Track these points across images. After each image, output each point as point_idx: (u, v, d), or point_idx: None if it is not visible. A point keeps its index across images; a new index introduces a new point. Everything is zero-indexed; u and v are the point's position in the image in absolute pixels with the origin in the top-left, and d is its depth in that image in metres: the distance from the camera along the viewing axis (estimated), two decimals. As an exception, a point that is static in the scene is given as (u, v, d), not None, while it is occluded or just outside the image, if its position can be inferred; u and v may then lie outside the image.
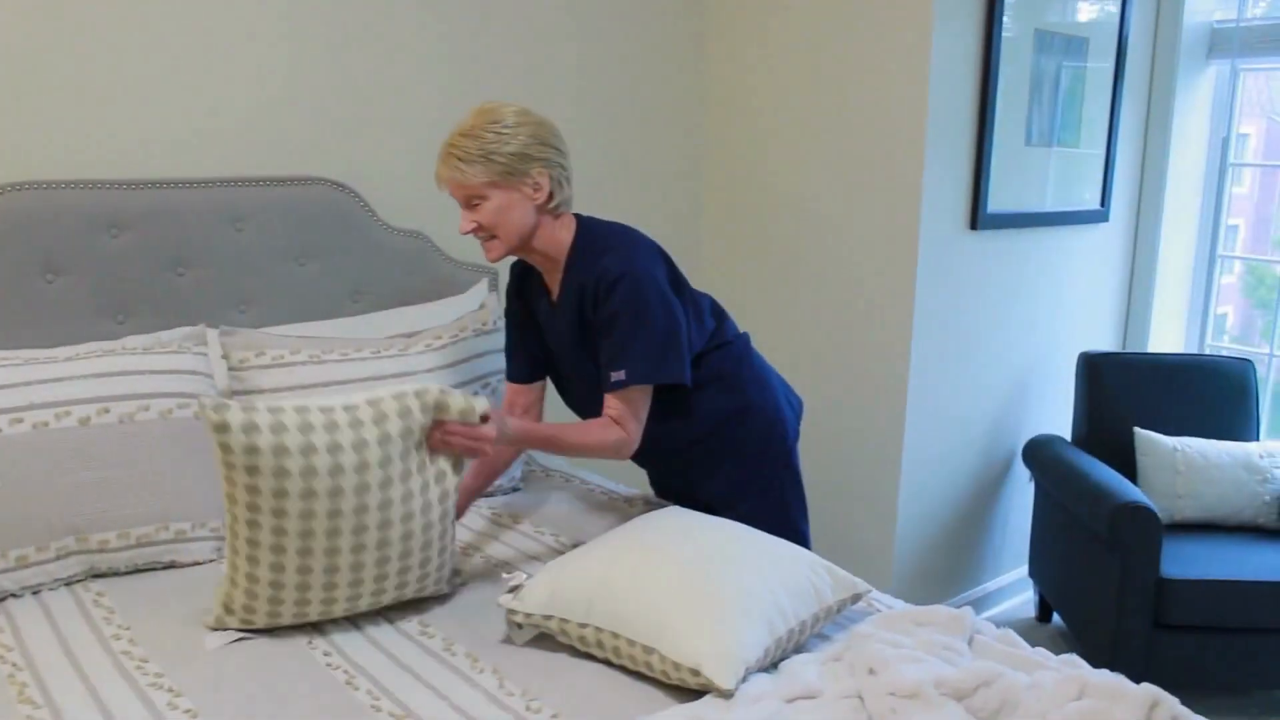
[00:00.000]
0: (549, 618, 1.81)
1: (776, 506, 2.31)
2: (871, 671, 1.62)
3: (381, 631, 1.88)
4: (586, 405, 2.27)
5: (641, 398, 2.10)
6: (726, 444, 2.27)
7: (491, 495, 2.59)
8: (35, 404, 1.98)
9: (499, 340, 2.67)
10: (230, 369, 2.29)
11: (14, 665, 1.74)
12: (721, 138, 3.53)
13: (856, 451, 3.28)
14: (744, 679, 1.64)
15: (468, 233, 2.07)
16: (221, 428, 1.73)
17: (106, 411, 2.04)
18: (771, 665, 1.74)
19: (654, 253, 2.13)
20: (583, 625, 1.78)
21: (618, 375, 2.06)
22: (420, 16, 2.86)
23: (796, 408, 2.40)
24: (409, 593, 1.94)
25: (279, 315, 2.65)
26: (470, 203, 2.05)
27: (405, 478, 1.85)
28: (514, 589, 1.88)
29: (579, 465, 2.95)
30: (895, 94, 3.01)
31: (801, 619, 1.79)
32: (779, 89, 3.33)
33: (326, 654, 1.79)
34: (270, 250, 2.62)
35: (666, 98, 3.45)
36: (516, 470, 2.64)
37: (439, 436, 1.90)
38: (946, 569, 3.42)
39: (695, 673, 1.63)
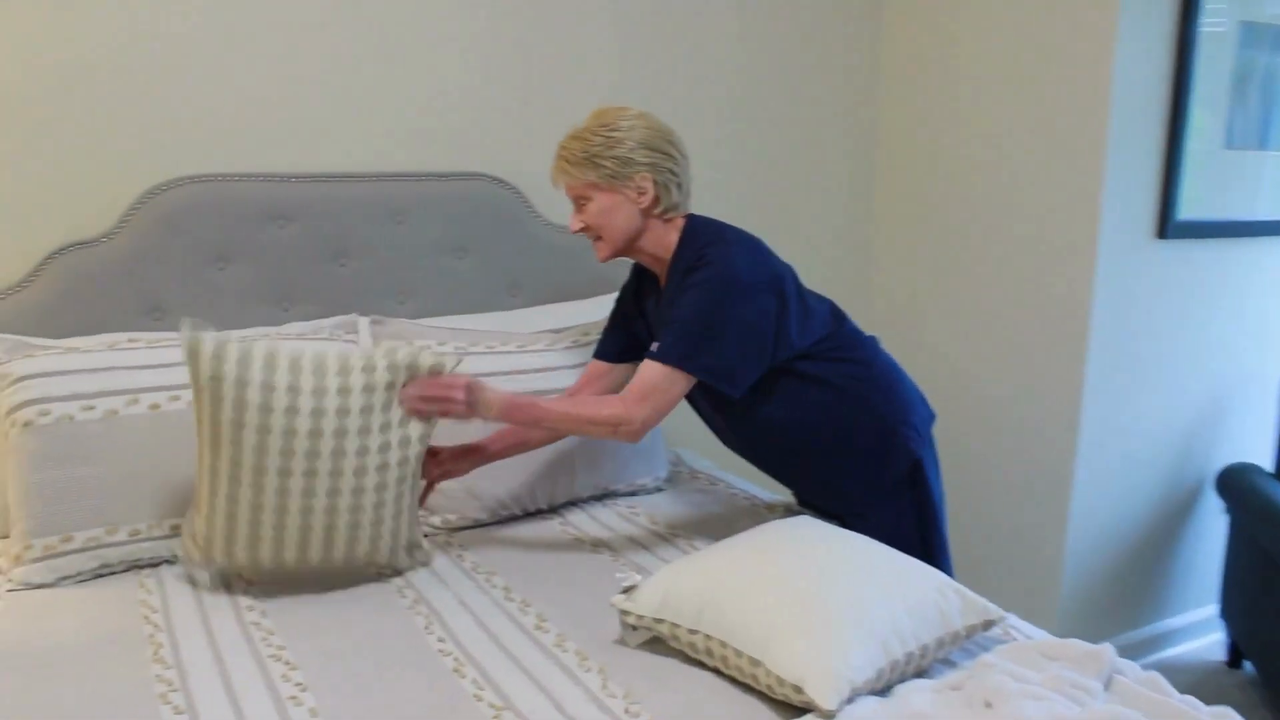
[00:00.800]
0: (660, 621, 1.78)
1: (904, 521, 2.20)
2: (988, 705, 1.51)
3: (498, 623, 1.89)
4: (707, 416, 2.26)
5: (665, 381, 1.99)
6: (836, 450, 2.18)
7: (633, 494, 2.57)
8: (175, 384, 2.08)
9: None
10: (380, 358, 2.35)
11: (155, 626, 1.84)
12: (895, 140, 3.41)
13: (1023, 470, 3.10)
14: (850, 700, 1.56)
15: (576, 232, 2.11)
16: (193, 353, 1.83)
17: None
18: (886, 688, 1.65)
19: (758, 252, 2.07)
20: (693, 631, 1.74)
21: (654, 345, 2.02)
22: (587, 16, 2.88)
23: (926, 420, 2.27)
24: (360, 555, 1.96)
25: (436, 307, 2.72)
26: (579, 203, 2.09)
27: (363, 433, 1.89)
28: (628, 589, 1.86)
29: (726, 469, 2.90)
30: (1074, 91, 2.83)
31: (923, 642, 1.69)
32: (955, 87, 3.19)
33: (440, 640, 1.81)
34: (429, 243, 2.69)
35: (837, 99, 3.36)
36: (661, 469, 2.61)
37: (410, 394, 1.93)
38: (1121, 601, 3.19)
39: (798, 689, 1.56)
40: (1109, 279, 2.87)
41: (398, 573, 2.07)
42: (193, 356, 1.84)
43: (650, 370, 2.00)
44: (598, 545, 2.25)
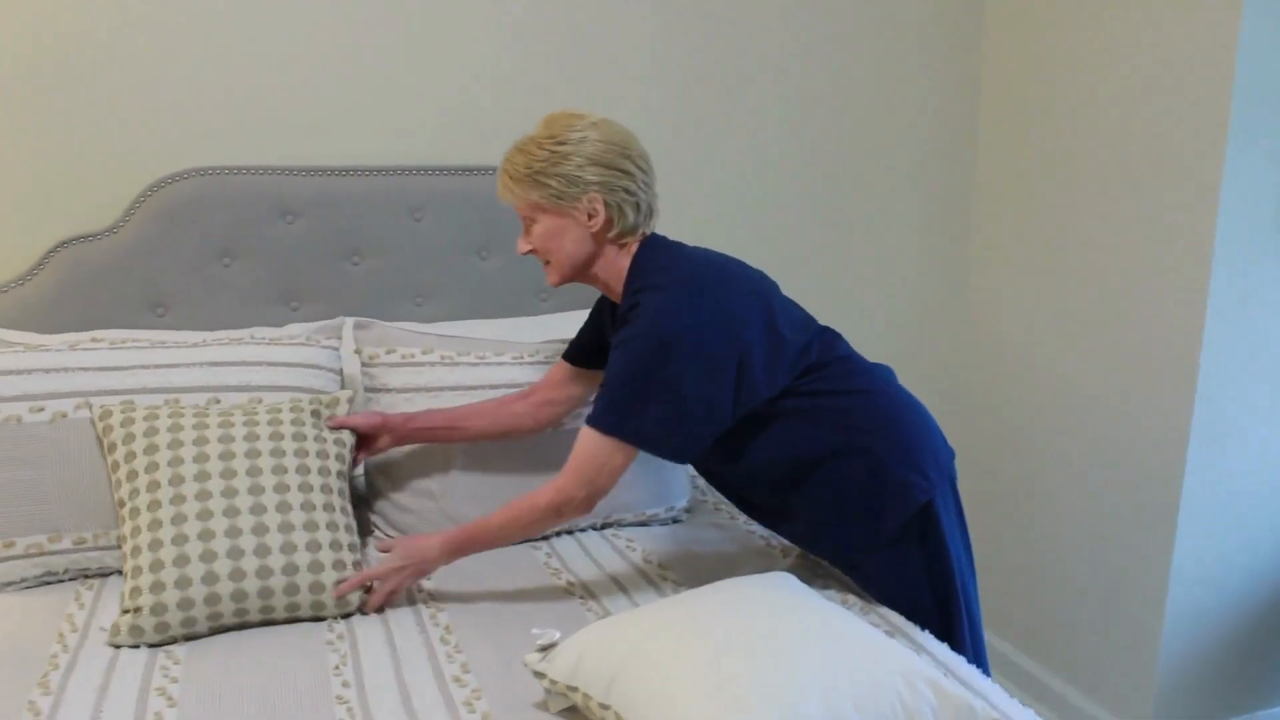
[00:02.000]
0: (574, 689, 1.57)
1: (912, 576, 1.91)
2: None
3: (415, 670, 1.71)
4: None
5: (601, 451, 1.78)
6: (823, 494, 1.90)
7: (646, 525, 2.35)
8: (144, 387, 2.00)
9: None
10: (362, 365, 2.22)
11: (63, 646, 1.77)
12: (997, 128, 3.02)
13: (1111, 518, 2.68)
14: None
15: (523, 254, 1.92)
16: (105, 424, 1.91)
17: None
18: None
19: (706, 292, 1.80)
20: (604, 706, 1.52)
21: (602, 417, 1.78)
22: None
23: (940, 461, 1.94)
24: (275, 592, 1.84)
25: (457, 310, 2.57)
26: (526, 223, 1.90)
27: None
28: (545, 648, 1.65)
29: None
30: (1192, 75, 2.39)
31: (868, 745, 1.41)
32: (1062, 72, 2.78)
33: (345, 684, 1.65)
34: (450, 242, 2.54)
35: (930, 81, 3.00)
36: (680, 499, 2.38)
37: (375, 603, 1.89)
38: (1237, 679, 2.73)
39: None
40: (1226, 287, 2.43)
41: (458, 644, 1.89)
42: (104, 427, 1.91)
43: (584, 439, 1.80)
44: (574, 586, 2.04)
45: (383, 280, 2.51)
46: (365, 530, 2.21)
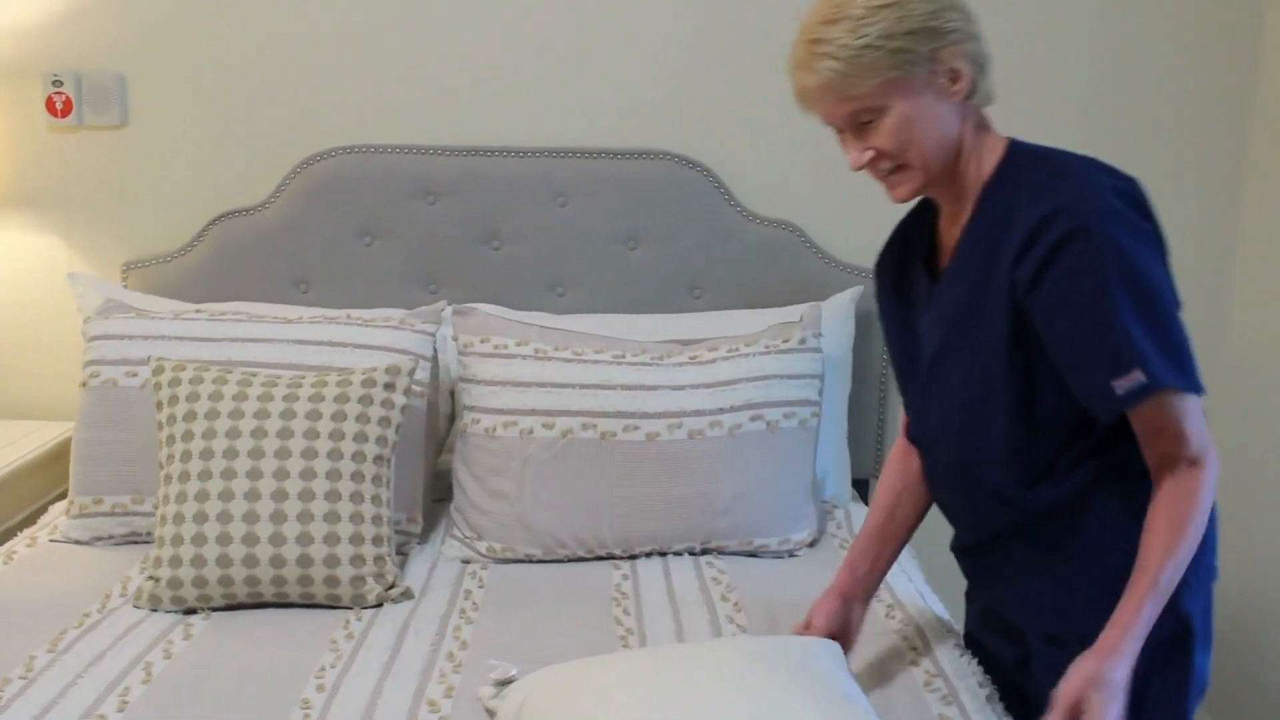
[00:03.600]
0: (513, 734, 1.36)
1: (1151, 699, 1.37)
2: None
3: (391, 694, 1.58)
4: (953, 436, 1.49)
5: (1189, 408, 1.30)
6: (1063, 547, 1.43)
7: (754, 555, 2.06)
8: (228, 360, 2.00)
9: (796, 363, 2.10)
10: (458, 353, 2.11)
11: (100, 607, 1.79)
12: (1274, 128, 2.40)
13: None
14: None
15: (863, 166, 1.39)
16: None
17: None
18: None
19: (1133, 201, 1.33)
20: (535, 759, 1.30)
21: (1128, 380, 1.27)
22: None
23: (1209, 574, 1.46)
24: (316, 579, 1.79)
25: (599, 303, 2.41)
26: (858, 121, 1.36)
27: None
28: (501, 683, 1.45)
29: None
30: None
31: None
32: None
33: (318, 688, 1.55)
34: (596, 230, 2.39)
35: (1196, 64, 2.43)
36: (802, 529, 2.08)
37: None
38: None
39: None
40: None
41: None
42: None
43: (1168, 402, 1.29)
44: (625, 617, 1.80)
45: (523, 267, 2.39)
46: (435, 523, 2.14)
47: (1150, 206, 1.34)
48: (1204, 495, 1.32)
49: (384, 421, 1.90)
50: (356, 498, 1.83)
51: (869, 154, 1.37)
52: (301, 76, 2.36)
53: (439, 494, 2.17)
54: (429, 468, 2.13)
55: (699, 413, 2.00)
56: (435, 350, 2.13)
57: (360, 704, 1.53)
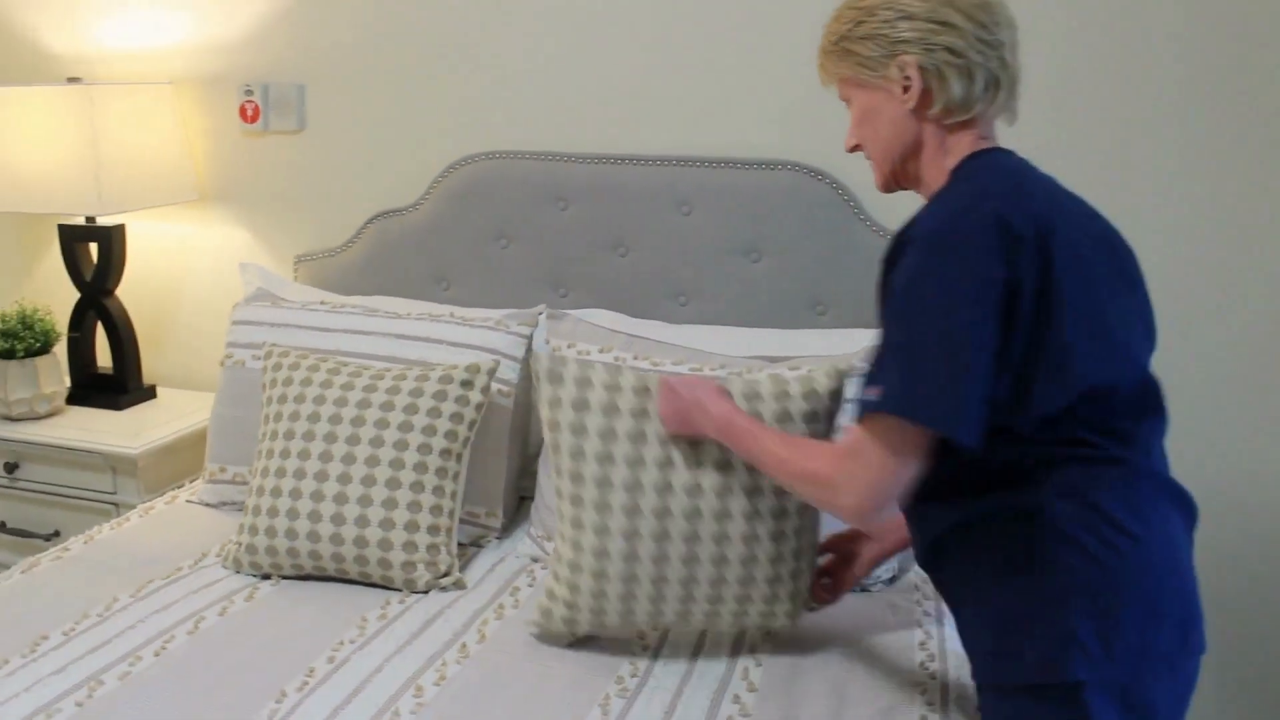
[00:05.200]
0: None
1: None
2: None
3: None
4: None
5: (892, 435, 1.30)
6: (974, 558, 1.39)
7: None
8: (338, 350, 2.15)
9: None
10: (550, 356, 2.14)
11: (193, 564, 1.99)
12: None
13: None
14: None
15: (850, 149, 1.52)
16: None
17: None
18: None
19: (1007, 221, 1.28)
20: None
21: (870, 391, 1.32)
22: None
23: (1154, 656, 1.30)
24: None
25: (720, 314, 2.37)
26: (846, 102, 1.50)
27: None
28: None
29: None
30: None
31: None
32: None
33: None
34: (718, 240, 2.35)
35: None
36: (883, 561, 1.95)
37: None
38: None
39: None
40: None
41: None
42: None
43: (879, 422, 1.32)
44: (646, 636, 1.78)
45: (647, 275, 2.40)
46: (523, 517, 2.19)
47: (1030, 246, 1.28)
48: (818, 476, 1.39)
49: (456, 417, 1.97)
50: (417, 487, 1.91)
51: (851, 141, 1.50)
52: (451, 88, 2.49)
53: (531, 492, 2.22)
54: (515, 465, 2.19)
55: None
56: (529, 351, 2.18)
57: (356, 680, 1.61)
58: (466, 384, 1.99)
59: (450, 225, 2.48)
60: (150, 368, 2.77)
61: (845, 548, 1.75)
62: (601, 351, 2.09)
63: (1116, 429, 1.33)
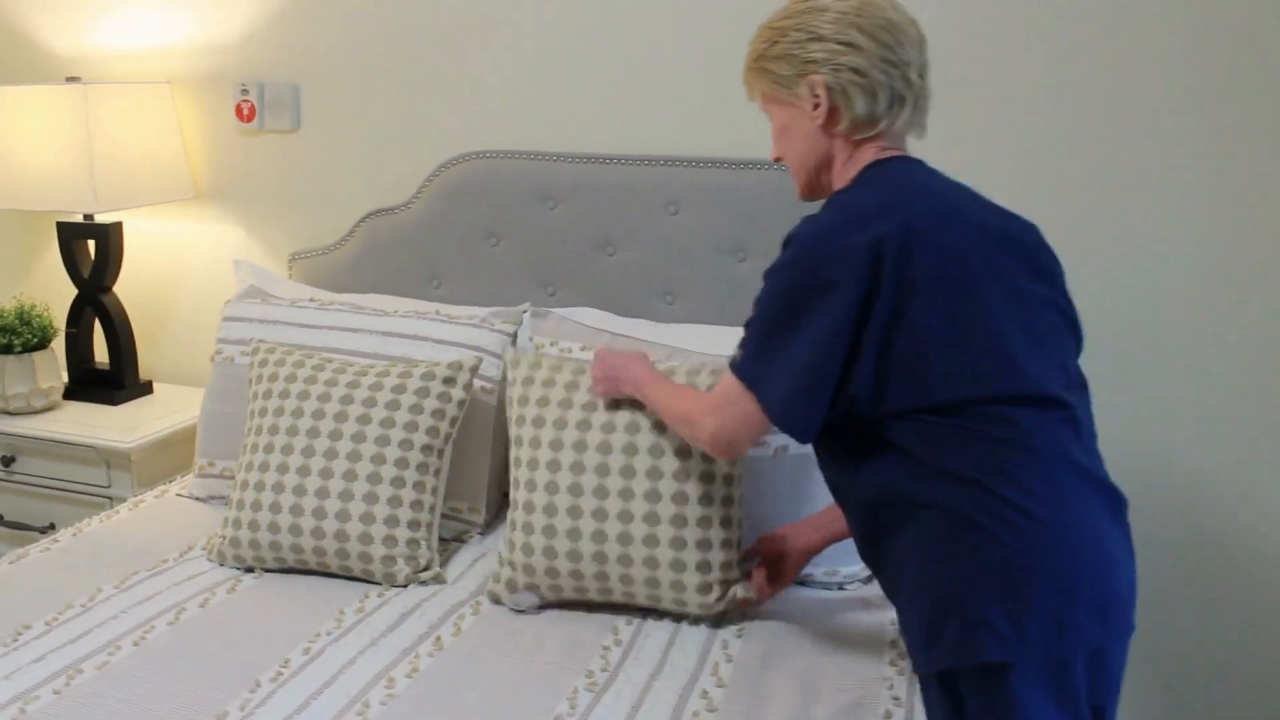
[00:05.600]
0: None
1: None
2: None
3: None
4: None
5: (736, 395, 1.49)
6: (899, 552, 1.43)
7: (802, 585, 1.97)
8: (325, 346, 2.18)
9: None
10: (534, 354, 2.16)
11: (180, 554, 2.01)
12: None
13: None
14: None
15: (775, 160, 1.64)
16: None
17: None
18: None
19: (888, 222, 1.38)
20: None
21: (737, 352, 1.52)
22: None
23: (1071, 636, 1.31)
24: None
25: (708, 313, 2.38)
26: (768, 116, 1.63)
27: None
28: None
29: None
30: None
31: None
32: None
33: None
34: (706, 240, 2.36)
35: None
36: (856, 561, 1.96)
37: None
38: None
39: None
40: None
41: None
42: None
43: (723, 377, 1.54)
44: (617, 637, 1.79)
45: (635, 274, 2.41)
46: (504, 514, 2.18)
47: (883, 257, 1.37)
48: (686, 414, 1.61)
49: (438, 414, 1.99)
50: (398, 483, 1.93)
51: (775, 152, 1.61)
52: (444, 88, 2.51)
53: (517, 487, 2.24)
54: (498, 461, 2.20)
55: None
56: (515, 348, 2.20)
57: (330, 672, 1.63)
58: (449, 381, 2.01)
59: (441, 224, 2.50)
60: (147, 363, 2.80)
61: (772, 548, 1.84)
62: (583, 349, 2.11)
63: (1008, 417, 1.35)
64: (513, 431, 1.91)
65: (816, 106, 1.49)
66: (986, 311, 1.37)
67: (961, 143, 2.22)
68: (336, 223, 2.63)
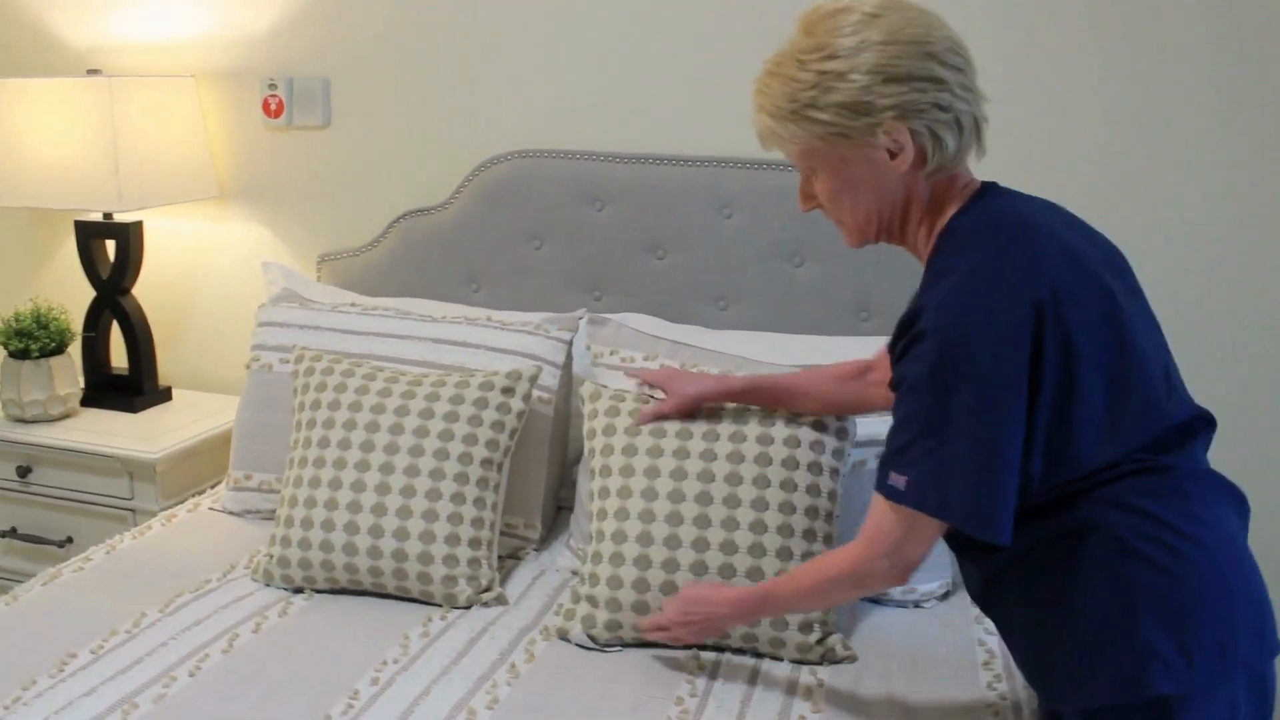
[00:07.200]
0: None
1: None
2: None
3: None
4: None
5: (912, 525, 1.29)
6: (1050, 619, 1.32)
7: (878, 603, 1.89)
8: (370, 354, 2.07)
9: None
10: (591, 363, 2.08)
11: (221, 577, 1.91)
12: None
13: None
14: None
15: (807, 211, 1.44)
16: None
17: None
18: None
19: (1032, 287, 1.23)
20: None
21: (895, 478, 1.29)
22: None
23: (1235, 661, 1.24)
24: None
25: (762, 319, 2.30)
26: (804, 171, 1.39)
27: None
28: None
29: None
30: None
31: None
32: None
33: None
34: (760, 244, 2.28)
35: None
36: (934, 578, 1.89)
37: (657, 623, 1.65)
38: None
39: None
40: None
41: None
42: None
43: (879, 508, 1.32)
44: (704, 657, 1.71)
45: (686, 278, 2.32)
46: (561, 528, 2.12)
47: (1043, 323, 1.22)
48: (844, 578, 1.38)
49: (497, 426, 1.90)
50: (458, 499, 1.84)
51: (812, 203, 1.41)
52: (482, 83, 2.41)
53: (569, 502, 2.15)
54: (555, 475, 2.11)
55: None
56: (569, 357, 2.11)
57: (404, 704, 1.53)
58: (508, 391, 1.92)
59: (481, 225, 2.41)
60: (165, 369, 2.68)
61: (669, 386, 1.82)
62: (646, 359, 2.02)
63: (1161, 441, 1.28)
64: (596, 462, 1.84)
65: (893, 155, 1.29)
66: (1132, 351, 1.28)
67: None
68: (368, 224, 2.52)
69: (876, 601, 1.89)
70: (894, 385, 1.31)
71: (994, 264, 1.26)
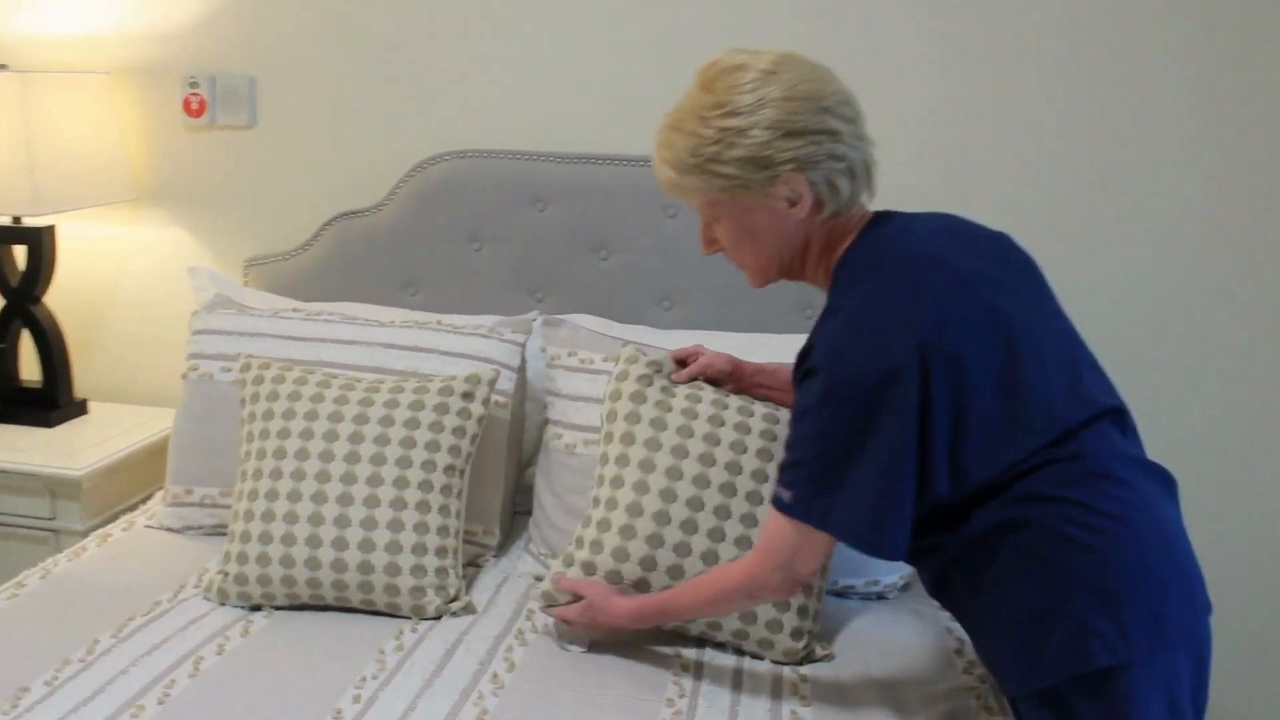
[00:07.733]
0: None
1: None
2: None
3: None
4: None
5: (803, 539, 1.41)
6: (982, 589, 1.41)
7: (841, 596, 1.92)
8: (320, 360, 2.01)
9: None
10: (546, 365, 2.06)
11: (171, 598, 1.82)
12: None
13: None
14: None
15: (710, 254, 1.56)
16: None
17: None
18: None
19: (914, 320, 1.34)
20: None
21: (783, 491, 1.41)
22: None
23: (1172, 630, 1.32)
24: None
25: (706, 318, 2.31)
26: (705, 220, 1.52)
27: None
28: None
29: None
30: None
31: None
32: None
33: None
34: (704, 243, 2.29)
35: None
36: (893, 572, 1.93)
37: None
38: None
39: None
40: None
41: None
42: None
43: (774, 522, 1.43)
44: (684, 659, 1.71)
45: (629, 279, 2.32)
46: (518, 533, 2.09)
47: (927, 351, 1.32)
48: (738, 590, 1.48)
49: (458, 431, 1.86)
50: (423, 507, 1.80)
51: (714, 247, 1.52)
52: (418, 82, 2.37)
53: (526, 507, 2.12)
54: (511, 480, 2.08)
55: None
56: (524, 360, 2.08)
57: (390, 719, 1.49)
58: (468, 396, 1.88)
59: (418, 227, 2.36)
60: (80, 381, 2.55)
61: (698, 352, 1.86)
62: (605, 360, 2.01)
63: (1061, 440, 1.36)
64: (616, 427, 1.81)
65: (791, 203, 1.40)
66: (1027, 360, 1.36)
67: (958, 151, 2.22)
68: (298, 227, 2.45)
69: (841, 595, 1.92)
70: (792, 412, 1.43)
71: (877, 299, 1.37)
